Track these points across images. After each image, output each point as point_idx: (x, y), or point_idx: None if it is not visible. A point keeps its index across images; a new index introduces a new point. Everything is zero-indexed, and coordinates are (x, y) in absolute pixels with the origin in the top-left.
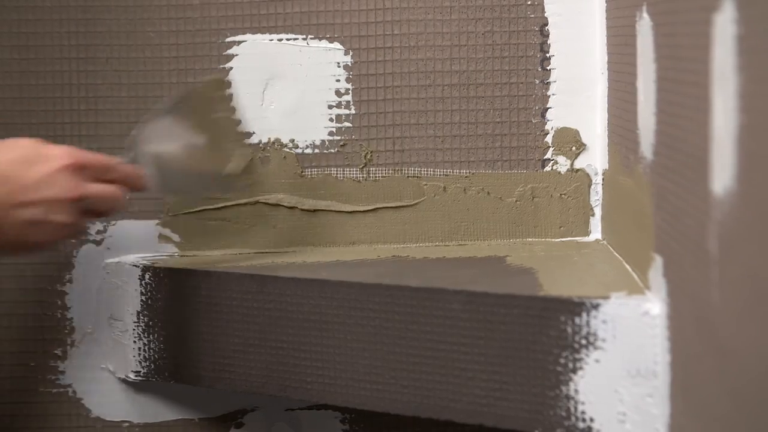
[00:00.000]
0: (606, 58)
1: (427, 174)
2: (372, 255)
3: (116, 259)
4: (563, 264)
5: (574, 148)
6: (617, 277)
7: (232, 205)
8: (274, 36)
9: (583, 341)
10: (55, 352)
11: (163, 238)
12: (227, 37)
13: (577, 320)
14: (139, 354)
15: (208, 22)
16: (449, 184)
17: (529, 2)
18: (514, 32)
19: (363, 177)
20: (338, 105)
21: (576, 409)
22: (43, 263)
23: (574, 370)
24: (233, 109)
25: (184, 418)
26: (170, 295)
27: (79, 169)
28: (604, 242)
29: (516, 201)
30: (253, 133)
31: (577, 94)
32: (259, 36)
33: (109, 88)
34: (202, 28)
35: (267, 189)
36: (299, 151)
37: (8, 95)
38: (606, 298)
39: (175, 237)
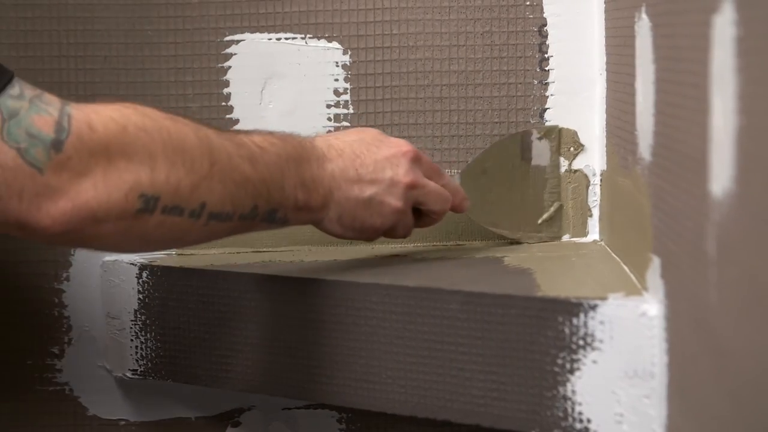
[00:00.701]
0: (605, 59)
1: None
2: (369, 254)
3: (114, 258)
4: (561, 265)
5: (572, 148)
6: (615, 278)
7: None
8: (273, 35)
9: (581, 342)
10: (52, 350)
11: None
12: (226, 36)
13: (574, 321)
14: (136, 352)
15: (206, 21)
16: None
17: (527, 3)
18: (513, 33)
19: None
20: (337, 104)
21: (573, 409)
22: (40, 261)
23: (572, 371)
24: (557, 162)
25: (180, 417)
26: (167, 293)
27: (417, 161)
28: (602, 243)
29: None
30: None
31: (576, 95)
32: (257, 35)
33: (108, 86)
34: (201, 27)
35: None
36: None
37: None
38: (604, 299)
39: None
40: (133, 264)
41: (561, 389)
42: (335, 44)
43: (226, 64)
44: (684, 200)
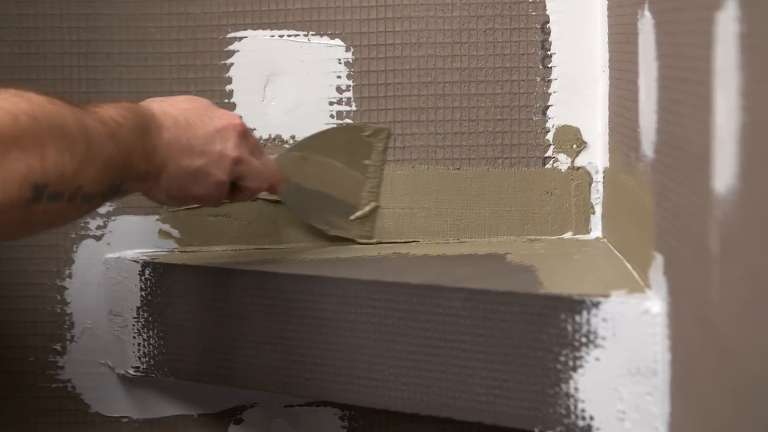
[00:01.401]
0: (607, 56)
1: (428, 171)
2: (372, 252)
3: (116, 255)
4: (563, 262)
5: (574, 145)
6: (617, 275)
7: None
8: (276, 32)
9: (583, 339)
10: (55, 347)
11: (163, 233)
12: (228, 33)
13: (577, 318)
14: (139, 350)
15: (209, 18)
16: (450, 181)
17: (530, 0)
18: (516, 30)
19: None
20: (339, 101)
21: (576, 407)
22: (43, 258)
23: (574, 368)
24: (382, 163)
25: (183, 414)
26: (170, 291)
27: (244, 135)
28: (605, 240)
29: (517, 198)
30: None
31: (578, 92)
32: (260, 32)
33: (110, 83)
34: (203, 24)
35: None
36: None
37: None
38: (606, 296)
39: (175, 233)
40: (135, 261)
41: (563, 386)
42: (338, 41)
43: (229, 61)
44: (687, 197)
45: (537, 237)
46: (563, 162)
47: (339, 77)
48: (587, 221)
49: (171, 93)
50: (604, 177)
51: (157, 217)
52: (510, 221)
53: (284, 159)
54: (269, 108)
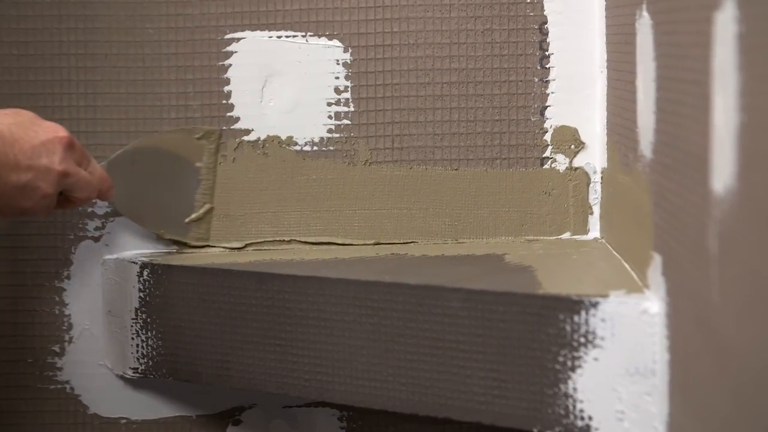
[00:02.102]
0: (605, 57)
1: (426, 171)
2: (370, 252)
3: (115, 256)
4: (562, 262)
5: (573, 146)
6: (616, 275)
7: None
8: (274, 33)
9: (582, 339)
10: (53, 348)
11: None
12: (226, 34)
13: (575, 318)
14: (137, 351)
15: (207, 19)
16: (448, 182)
17: (528, 0)
18: (514, 30)
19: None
20: (337, 102)
21: (574, 407)
22: (41, 259)
23: (573, 369)
24: (214, 164)
25: (181, 415)
26: (168, 291)
27: (71, 147)
28: (603, 241)
29: (515, 199)
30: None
31: (576, 93)
32: (258, 33)
33: (108, 84)
34: (201, 25)
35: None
36: (298, 148)
37: (7, 91)
38: (605, 296)
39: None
40: (134, 262)
41: (562, 387)
42: (336, 42)
43: (227, 62)
44: (685, 197)
45: (535, 237)
46: (561, 162)
47: (337, 78)
48: (585, 222)
49: (169, 94)
50: (602, 177)
51: None
52: (508, 222)
53: (113, 164)
54: (267, 109)
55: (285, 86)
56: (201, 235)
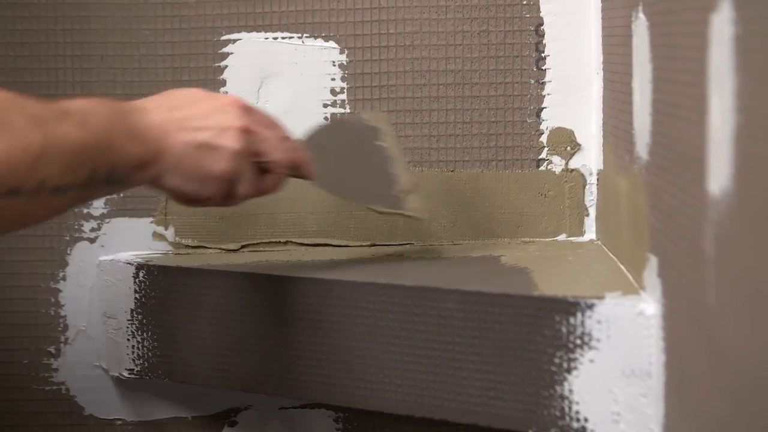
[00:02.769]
0: (601, 58)
1: (422, 173)
2: (366, 254)
3: (110, 257)
4: (558, 264)
5: (568, 148)
6: (612, 277)
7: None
8: (270, 34)
9: (578, 341)
10: (49, 349)
11: (157, 235)
12: (222, 35)
13: (571, 320)
14: (133, 352)
15: (203, 20)
16: (444, 183)
17: (524, 2)
18: (510, 32)
19: None
20: (333, 104)
21: (570, 408)
22: (36, 260)
23: (569, 370)
24: (397, 142)
25: (177, 417)
26: (164, 293)
27: (248, 110)
28: (599, 242)
29: (511, 201)
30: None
31: (572, 94)
32: (254, 34)
33: (104, 85)
34: (197, 26)
35: None
36: None
37: None
38: (601, 298)
39: (169, 235)
40: (129, 263)
41: (558, 388)
42: (332, 43)
43: (223, 63)
44: (681, 199)
45: (531, 239)
46: (557, 164)
47: (333, 79)
48: (581, 223)
49: None
50: (598, 179)
51: (151, 219)
52: (504, 223)
53: (307, 145)
54: (263, 110)
55: (281, 87)
56: (418, 207)
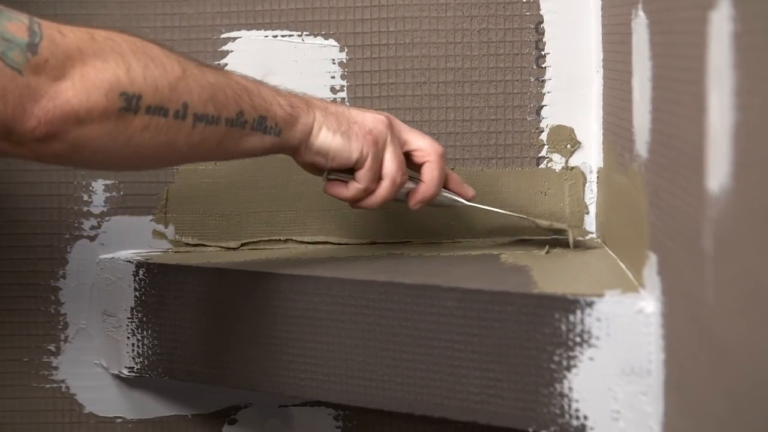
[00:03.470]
0: (601, 56)
1: None
2: (366, 252)
3: (110, 255)
4: (557, 262)
5: (568, 145)
6: (612, 275)
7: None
8: (269, 32)
9: (577, 339)
10: (49, 347)
11: (157, 234)
12: (222, 33)
13: (571, 318)
14: (133, 350)
15: (203, 18)
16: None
17: (524, 0)
18: (510, 30)
19: None
20: (333, 102)
21: (570, 406)
22: (37, 258)
23: (568, 368)
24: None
25: (177, 414)
26: (164, 291)
27: (390, 124)
28: (599, 240)
29: (511, 199)
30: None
31: (572, 92)
32: (254, 32)
33: None
34: (197, 24)
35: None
36: None
37: None
38: (600, 295)
39: (169, 233)
40: (129, 262)
41: (558, 386)
42: (332, 41)
43: (223, 61)
44: (681, 197)
45: (531, 237)
46: (557, 162)
47: (333, 77)
48: (581, 221)
49: None
50: (598, 177)
51: (151, 217)
52: (504, 221)
53: None
54: None
55: (281, 85)
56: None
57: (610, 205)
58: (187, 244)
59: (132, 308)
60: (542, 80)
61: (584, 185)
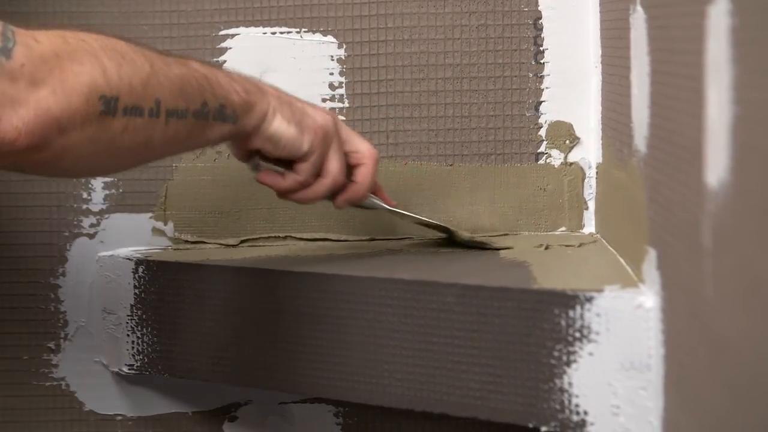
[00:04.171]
0: (600, 52)
1: (421, 167)
2: (365, 248)
3: (110, 253)
4: (557, 257)
5: (567, 141)
6: (611, 270)
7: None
8: (268, 29)
9: (577, 334)
10: (48, 345)
11: (156, 231)
12: (220, 30)
13: (570, 313)
14: (133, 347)
15: (201, 15)
16: (442, 178)
17: None
18: (508, 25)
19: None
20: (332, 98)
21: (570, 402)
22: (36, 256)
23: (568, 363)
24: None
25: (177, 412)
26: (164, 288)
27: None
28: (598, 235)
29: (510, 194)
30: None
31: (571, 88)
32: (252, 29)
33: None
34: (196, 21)
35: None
36: None
37: None
38: (600, 291)
39: (169, 230)
40: (129, 259)
41: (557, 381)
42: (330, 38)
43: (221, 58)
44: (680, 191)
45: (530, 233)
46: (556, 158)
47: (331, 74)
48: (580, 217)
49: None
50: (597, 172)
51: (150, 214)
52: (503, 217)
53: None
54: None
55: (279, 82)
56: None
57: (609, 201)
58: (187, 242)
59: (132, 305)
60: (541, 76)
61: (583, 181)
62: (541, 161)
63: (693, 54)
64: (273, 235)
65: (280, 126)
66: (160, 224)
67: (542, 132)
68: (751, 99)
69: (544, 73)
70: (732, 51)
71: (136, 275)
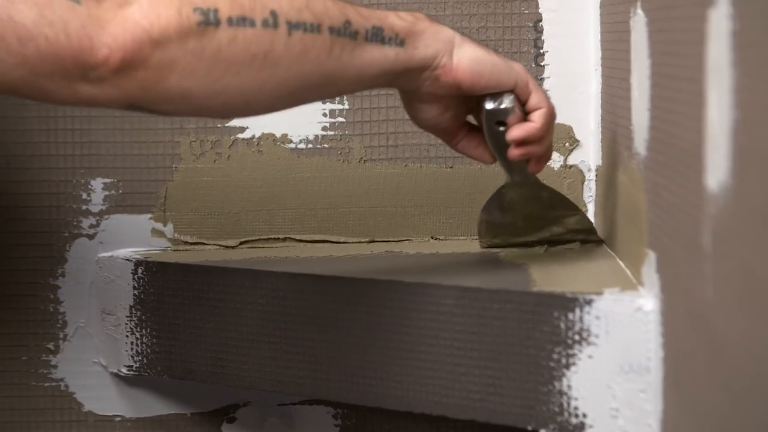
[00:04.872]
0: (600, 54)
1: (421, 170)
2: (365, 250)
3: (109, 254)
4: (556, 260)
5: (567, 144)
6: (610, 272)
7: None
8: None
9: (576, 337)
10: (47, 346)
11: (156, 232)
12: None
13: (570, 316)
14: (132, 348)
15: None
16: (442, 180)
17: None
18: (508, 28)
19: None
20: (332, 100)
21: (569, 404)
22: (35, 257)
23: (567, 366)
24: None
25: (176, 413)
26: (163, 289)
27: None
28: None
29: None
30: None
31: (571, 90)
32: None
33: None
34: None
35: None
36: (292, 146)
37: None
38: (599, 293)
39: (168, 231)
40: (128, 260)
41: (557, 384)
42: None
43: None
44: (679, 194)
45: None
46: (556, 160)
47: None
48: None
49: None
50: (596, 175)
51: (149, 215)
52: None
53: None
54: None
55: None
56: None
57: (609, 204)
58: (186, 243)
59: (131, 306)
60: (541, 78)
61: (583, 183)
62: None
63: (693, 57)
64: (273, 236)
65: (475, 50)
66: (159, 225)
67: None
68: (752, 102)
69: (545, 75)
70: (732, 54)
71: (136, 276)
